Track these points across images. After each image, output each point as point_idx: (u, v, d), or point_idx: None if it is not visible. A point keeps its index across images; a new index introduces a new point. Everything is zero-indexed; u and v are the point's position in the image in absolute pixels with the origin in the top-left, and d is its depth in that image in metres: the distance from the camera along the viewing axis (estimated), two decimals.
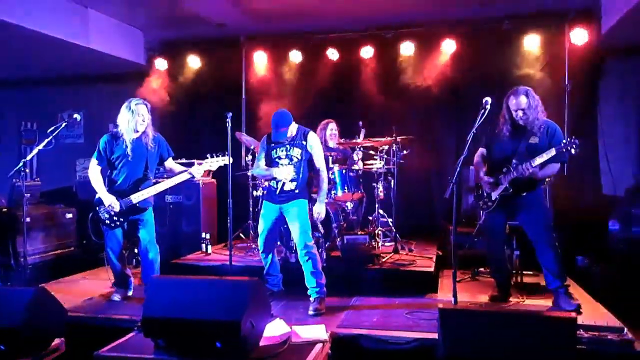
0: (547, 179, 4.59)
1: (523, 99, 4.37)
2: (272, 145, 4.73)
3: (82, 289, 5.45)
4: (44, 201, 7.07)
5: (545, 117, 4.49)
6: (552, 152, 4.18)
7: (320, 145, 4.77)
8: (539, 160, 4.23)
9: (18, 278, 5.83)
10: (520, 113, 4.39)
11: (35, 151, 5.05)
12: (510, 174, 4.40)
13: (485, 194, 4.64)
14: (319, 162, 4.71)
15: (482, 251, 5.62)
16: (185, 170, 4.87)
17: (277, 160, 4.70)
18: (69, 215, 6.94)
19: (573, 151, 4.08)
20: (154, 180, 4.92)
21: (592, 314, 4.29)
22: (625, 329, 3.78)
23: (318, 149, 4.71)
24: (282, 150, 4.68)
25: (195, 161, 5.14)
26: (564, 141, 4.14)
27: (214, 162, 4.87)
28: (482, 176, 4.64)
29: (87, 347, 3.62)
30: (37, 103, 9.42)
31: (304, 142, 4.66)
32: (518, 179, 4.37)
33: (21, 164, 4.81)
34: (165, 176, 5.10)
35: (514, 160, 4.39)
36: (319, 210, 4.69)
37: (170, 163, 5.01)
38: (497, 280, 4.80)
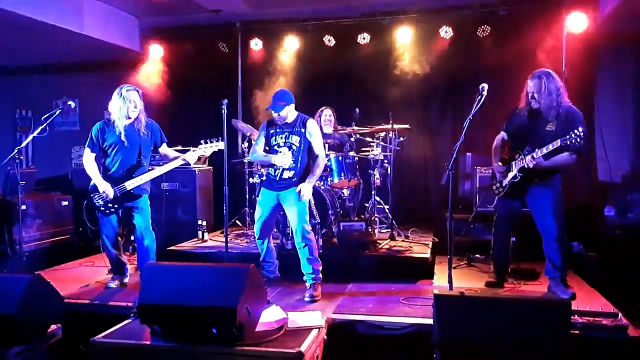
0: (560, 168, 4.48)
1: (535, 82, 4.30)
2: (272, 132, 4.71)
3: (79, 276, 5.46)
4: (39, 189, 7.07)
5: (568, 102, 4.37)
6: (557, 143, 4.11)
7: (319, 132, 4.75)
8: (545, 151, 4.18)
9: (14, 265, 5.83)
10: (530, 96, 4.34)
11: (29, 138, 5.05)
12: (520, 162, 4.37)
13: (498, 179, 4.64)
14: (318, 148, 4.68)
15: (477, 238, 5.65)
16: (179, 157, 4.86)
17: (275, 147, 4.69)
18: (65, 203, 6.93)
19: (577, 143, 3.99)
20: (149, 167, 4.91)
21: (587, 299, 4.31)
22: (620, 315, 3.80)
23: (317, 136, 4.69)
24: (281, 138, 4.66)
25: (191, 148, 5.10)
26: (571, 134, 4.01)
27: (208, 148, 4.87)
28: (495, 163, 4.63)
29: (84, 334, 3.64)
30: (32, 90, 9.35)
31: (302, 130, 4.64)
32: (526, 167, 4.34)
33: (15, 151, 4.79)
34: (160, 163, 5.08)
35: (526, 148, 4.35)
36: (305, 189, 4.52)
37: (164, 149, 4.99)
38: (496, 265, 4.80)
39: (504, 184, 4.57)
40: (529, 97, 4.37)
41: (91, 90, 8.73)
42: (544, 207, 4.41)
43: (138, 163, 4.81)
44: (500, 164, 4.61)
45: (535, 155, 4.22)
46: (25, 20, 6.23)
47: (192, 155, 4.83)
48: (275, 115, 4.61)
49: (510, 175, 4.48)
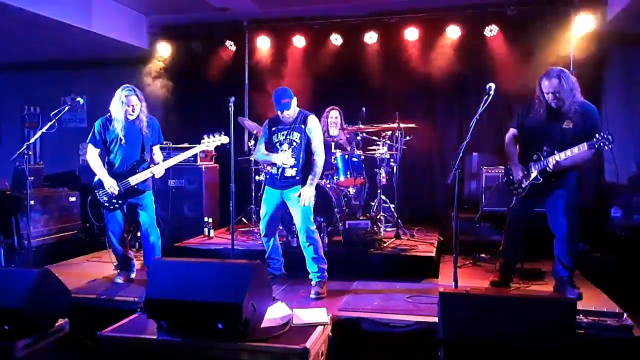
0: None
1: (555, 82, 4.18)
2: (274, 129, 4.72)
3: (86, 271, 5.50)
4: (47, 184, 7.11)
5: (581, 98, 4.29)
6: (584, 147, 4.04)
7: (319, 129, 4.70)
8: (569, 154, 4.12)
9: (22, 260, 5.87)
10: (551, 96, 4.22)
11: (38, 134, 5.08)
12: (540, 163, 4.30)
13: (516, 180, 4.53)
14: (317, 145, 4.62)
15: (483, 237, 5.64)
16: (157, 164, 4.92)
17: (277, 145, 4.70)
18: (72, 199, 6.97)
19: (606, 147, 3.93)
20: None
21: (592, 299, 4.30)
22: (625, 315, 3.79)
23: (317, 132, 4.65)
24: (282, 135, 4.67)
25: (196, 146, 5.09)
26: (597, 136, 3.96)
27: (211, 142, 4.89)
28: (516, 163, 4.51)
29: (91, 328, 3.67)
30: (40, 87, 9.41)
31: (302, 126, 4.64)
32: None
33: (24, 147, 4.83)
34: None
35: (545, 148, 4.28)
36: (306, 193, 4.52)
37: (156, 150, 5.04)
38: (504, 264, 4.73)
39: (523, 185, 4.46)
40: (548, 97, 4.24)
41: (99, 87, 8.67)
42: (558, 206, 4.37)
43: (141, 159, 4.86)
44: (522, 165, 4.49)
45: (559, 158, 4.15)
46: (34, 17, 6.26)
47: (158, 168, 4.86)
48: (283, 113, 4.59)
49: (532, 176, 4.38)
